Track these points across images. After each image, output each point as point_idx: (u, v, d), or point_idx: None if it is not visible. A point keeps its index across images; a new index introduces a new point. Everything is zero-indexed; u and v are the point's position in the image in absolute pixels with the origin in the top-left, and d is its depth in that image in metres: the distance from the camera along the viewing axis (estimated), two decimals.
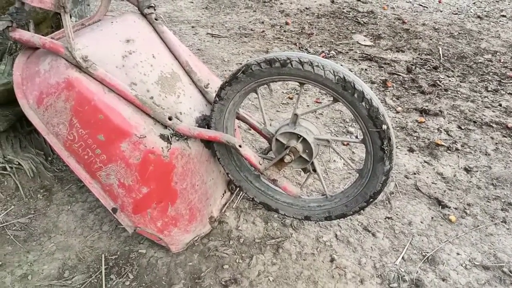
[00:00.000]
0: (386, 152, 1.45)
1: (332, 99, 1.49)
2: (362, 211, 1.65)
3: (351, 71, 3.23)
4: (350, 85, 1.41)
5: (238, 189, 1.95)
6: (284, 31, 3.96)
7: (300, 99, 2.91)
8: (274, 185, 1.69)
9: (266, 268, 1.64)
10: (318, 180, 2.04)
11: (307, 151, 1.55)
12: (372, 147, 1.47)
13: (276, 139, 1.57)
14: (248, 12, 4.45)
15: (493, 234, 1.92)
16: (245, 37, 3.85)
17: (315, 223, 1.88)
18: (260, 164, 1.60)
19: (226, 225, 1.82)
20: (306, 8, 4.52)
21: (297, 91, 2.94)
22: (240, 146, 1.57)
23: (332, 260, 1.70)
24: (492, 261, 1.77)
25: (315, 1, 4.71)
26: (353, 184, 1.60)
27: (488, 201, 2.10)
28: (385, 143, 1.43)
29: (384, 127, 1.41)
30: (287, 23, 4.12)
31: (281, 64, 1.48)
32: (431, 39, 3.89)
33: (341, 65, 3.33)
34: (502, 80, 3.25)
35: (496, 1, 5.04)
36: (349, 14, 4.35)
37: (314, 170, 1.62)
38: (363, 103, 1.41)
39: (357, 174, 1.57)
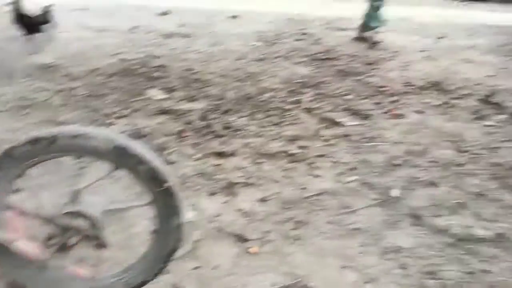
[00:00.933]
0: (173, 207, 1.51)
1: (112, 167, 1.51)
2: (162, 271, 1.67)
3: (147, 127, 3.30)
4: (127, 151, 1.44)
5: None
6: (73, 96, 3.84)
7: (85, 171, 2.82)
8: (65, 273, 1.59)
9: None
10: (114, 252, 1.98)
11: (94, 226, 1.52)
12: (161, 205, 1.51)
13: (57, 222, 1.50)
14: (28, 80, 4.18)
15: (290, 253, 2.16)
16: (27, 108, 3.59)
17: None
18: (43, 255, 1.49)
19: None
20: (96, 69, 4.48)
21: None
22: (14, 241, 1.44)
23: None
24: (292, 279, 1.99)
25: (103, 61, 4.71)
26: (150, 246, 1.62)
27: (282, 224, 2.37)
28: (171, 198, 1.50)
29: (167, 184, 1.48)
30: (72, 89, 3.99)
31: (50, 142, 1.43)
32: (220, 85, 4.26)
33: (136, 123, 3.38)
34: (282, 113, 3.75)
35: (271, 45, 5.82)
36: (141, 70, 4.46)
37: (106, 245, 1.59)
38: (143, 166, 1.46)
39: (152, 236, 1.60)
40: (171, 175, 1.53)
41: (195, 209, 2.40)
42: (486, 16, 9.42)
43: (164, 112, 3.57)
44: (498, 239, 2.38)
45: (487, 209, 2.63)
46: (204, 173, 2.79)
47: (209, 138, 3.23)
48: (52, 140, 1.44)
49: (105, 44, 4.94)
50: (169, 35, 5.83)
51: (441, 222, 2.49)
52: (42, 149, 1.45)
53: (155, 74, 4.38)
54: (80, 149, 1.46)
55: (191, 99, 3.89)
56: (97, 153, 1.47)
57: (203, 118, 3.52)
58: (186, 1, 8.03)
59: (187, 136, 3.22)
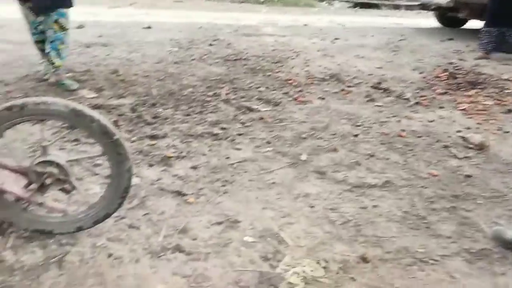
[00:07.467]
0: (123, 154, 1.94)
1: (70, 127, 1.91)
2: (121, 206, 2.09)
3: None
4: (82, 113, 1.86)
5: (8, 227, 2.08)
6: (10, 98, 4.02)
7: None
8: (41, 209, 1.95)
9: (55, 279, 1.88)
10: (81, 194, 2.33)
11: (62, 173, 1.90)
12: (112, 154, 1.94)
13: (34, 170, 1.86)
14: None
15: (221, 202, 2.65)
16: None
17: (87, 232, 2.18)
18: (25, 196, 1.84)
19: (6, 263, 1.94)
20: (25, 76, 4.64)
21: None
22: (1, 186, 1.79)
23: (110, 255, 2.07)
24: (223, 218, 2.49)
25: (31, 68, 4.87)
26: (108, 187, 2.03)
27: (213, 183, 2.86)
28: (120, 148, 1.93)
29: (116, 137, 1.91)
30: (8, 92, 4.17)
31: (20, 108, 1.80)
32: (144, 84, 4.65)
33: None
34: (203, 104, 4.24)
35: (187, 50, 6.31)
36: (68, 74, 4.70)
37: (74, 187, 1.97)
38: (95, 124, 1.87)
39: (109, 179, 2.01)
40: (117, 131, 1.96)
41: (138, 176, 2.80)
42: (375, 20, 10.79)
43: (97, 107, 3.90)
44: (386, 185, 3.06)
45: (376, 165, 3.33)
46: (141, 150, 3.19)
47: (141, 125, 3.63)
48: (22, 106, 1.81)
49: (29, 54, 5.08)
50: (88, 45, 6.07)
51: (340, 175, 3.13)
52: (15, 114, 1.82)
53: (83, 78, 4.66)
54: (44, 113, 1.85)
55: (120, 96, 4.24)
56: (58, 116, 1.87)
57: (133, 110, 3.90)
58: (99, 16, 8.28)
59: (121, 125, 3.59)
